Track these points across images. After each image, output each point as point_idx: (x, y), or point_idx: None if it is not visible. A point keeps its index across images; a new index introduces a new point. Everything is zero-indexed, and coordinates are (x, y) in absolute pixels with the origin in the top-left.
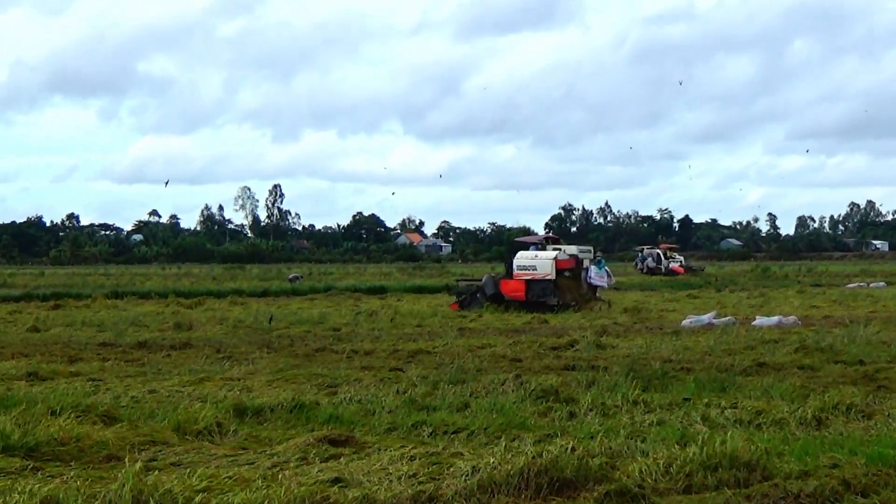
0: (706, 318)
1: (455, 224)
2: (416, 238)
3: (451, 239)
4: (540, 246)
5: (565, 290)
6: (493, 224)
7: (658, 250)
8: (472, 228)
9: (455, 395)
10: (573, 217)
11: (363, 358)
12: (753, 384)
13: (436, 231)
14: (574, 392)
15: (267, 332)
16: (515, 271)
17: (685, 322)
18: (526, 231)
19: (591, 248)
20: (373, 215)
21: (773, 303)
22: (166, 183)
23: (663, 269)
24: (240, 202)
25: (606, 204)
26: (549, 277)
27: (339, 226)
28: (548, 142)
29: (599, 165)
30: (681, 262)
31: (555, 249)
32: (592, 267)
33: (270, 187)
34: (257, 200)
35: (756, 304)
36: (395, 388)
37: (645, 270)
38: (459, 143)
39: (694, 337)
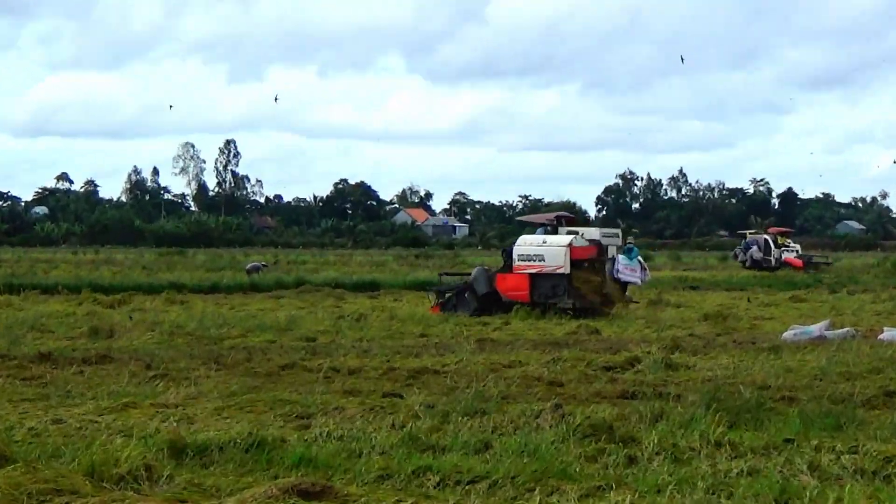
0: (816, 329)
1: (474, 197)
2: (420, 215)
3: (468, 217)
4: (550, 228)
5: (584, 288)
6: (526, 198)
7: (766, 236)
8: (497, 203)
9: (472, 430)
10: (635, 189)
11: (347, 379)
12: (880, 420)
13: (448, 206)
14: (634, 429)
15: (216, 342)
16: (516, 262)
17: (787, 335)
18: (569, 208)
19: (619, 232)
20: (362, 184)
21: None
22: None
23: (773, 262)
24: (181, 164)
25: (681, 172)
26: (561, 271)
27: (315, 198)
28: (603, 86)
29: (672, 119)
30: (797, 252)
31: (570, 233)
32: (620, 257)
33: (222, 144)
34: (204, 162)
35: (884, 310)
36: (389, 421)
37: (748, 263)
38: (482, 88)
39: (799, 355)
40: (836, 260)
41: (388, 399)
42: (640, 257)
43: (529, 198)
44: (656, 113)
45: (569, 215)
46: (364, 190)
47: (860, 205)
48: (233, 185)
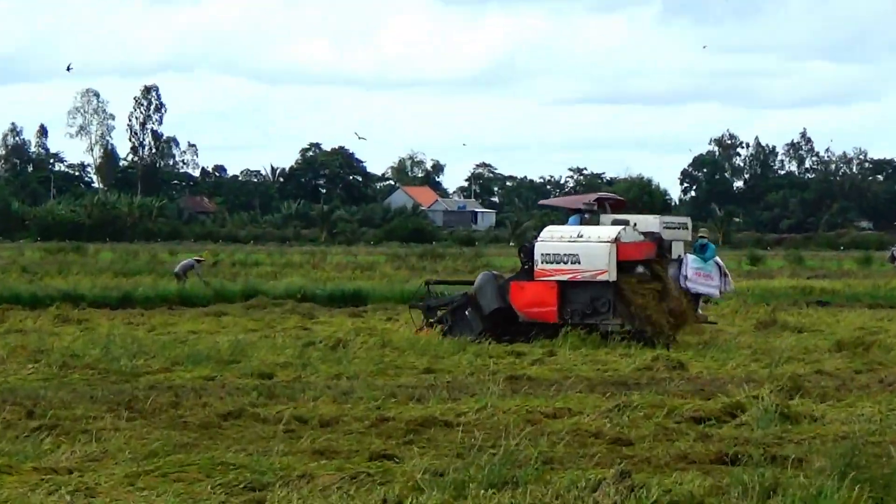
0: None
1: (504, 171)
2: (425, 197)
3: (494, 199)
4: (589, 215)
5: (637, 302)
6: (579, 171)
7: None
8: (537, 180)
9: None
10: (737, 160)
11: (318, 433)
12: None
13: (466, 184)
14: None
15: (128, 379)
16: (539, 265)
17: None
18: (642, 188)
19: (688, 222)
20: (341, 152)
21: None
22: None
23: None
24: (79, 121)
25: (804, 135)
26: (603, 277)
27: (274, 171)
28: (691, 12)
29: (791, 59)
30: None
31: (617, 223)
32: (691, 258)
33: (139, 93)
34: (113, 118)
35: None
36: (379, 496)
37: None
38: (517, 12)
39: None
40: None
41: (377, 463)
42: (717, 259)
43: (584, 172)
44: (769, 51)
45: (616, 197)
46: (345, 160)
47: None
48: (154, 151)
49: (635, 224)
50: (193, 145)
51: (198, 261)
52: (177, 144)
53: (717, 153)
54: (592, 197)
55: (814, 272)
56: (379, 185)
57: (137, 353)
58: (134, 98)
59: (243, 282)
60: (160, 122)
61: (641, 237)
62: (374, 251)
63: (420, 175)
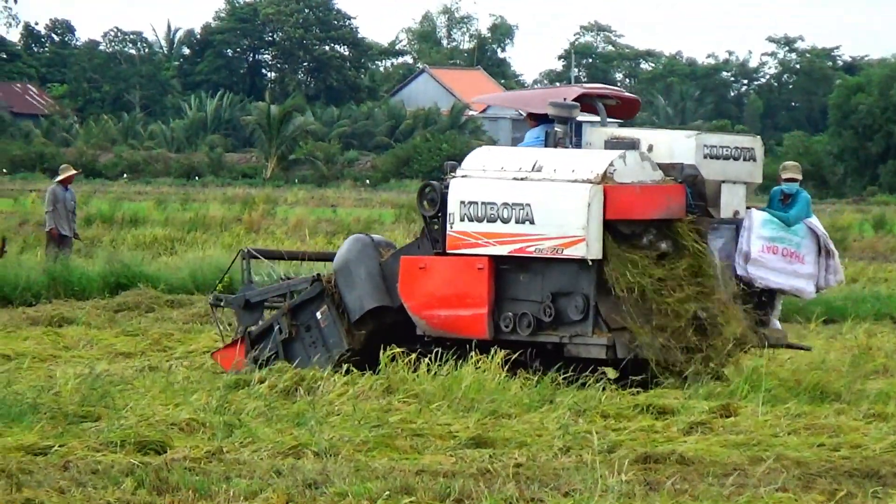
0: None
1: (632, 41)
2: (476, 87)
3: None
4: (559, 126)
5: (648, 302)
6: (793, 48)
7: None
8: (708, 61)
9: None
10: None
11: None
12: None
13: (563, 59)
14: None
15: None
16: (455, 225)
17: None
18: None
19: (758, 145)
20: None
21: None
22: None
23: None
24: None
25: None
26: (578, 252)
27: (173, 33)
28: None
29: None
30: None
31: (615, 144)
32: (759, 220)
33: None
34: None
35: None
36: None
37: None
38: None
39: None
40: None
41: None
42: (815, 221)
43: (795, 46)
44: None
45: (619, 92)
46: (316, 14)
47: None
48: None
49: (651, 147)
50: None
51: (62, 183)
52: None
53: None
54: (572, 92)
55: None
56: (385, 63)
57: None
58: None
59: (106, 259)
60: None
61: (659, 174)
62: (374, 197)
63: (467, 46)
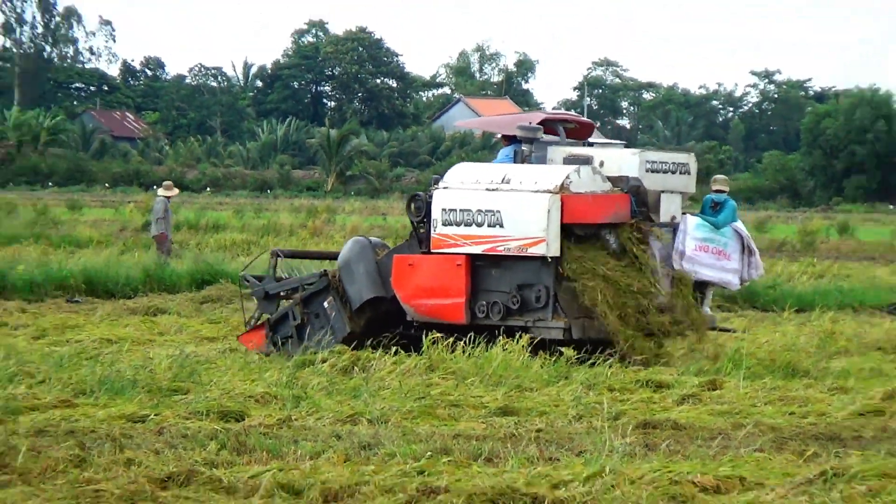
0: None
1: (636, 74)
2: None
3: (624, 116)
4: (526, 146)
5: (598, 292)
6: (768, 75)
7: None
8: (699, 91)
9: None
10: None
11: None
12: None
13: (575, 95)
14: None
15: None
16: (438, 229)
17: None
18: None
19: (691, 161)
20: (363, 35)
21: None
22: None
23: None
24: None
25: None
26: (539, 251)
27: (248, 67)
28: None
29: None
30: None
31: (572, 161)
32: (692, 224)
33: None
34: None
35: None
36: None
37: None
38: None
39: None
40: None
41: None
42: (740, 225)
43: (773, 78)
44: None
45: (577, 118)
46: (369, 51)
47: None
48: (42, 32)
49: (602, 162)
50: (109, 23)
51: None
52: (80, 22)
53: None
54: (536, 117)
55: None
56: (427, 94)
57: (15, 376)
58: None
59: (193, 259)
60: None
61: (608, 185)
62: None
63: (496, 79)
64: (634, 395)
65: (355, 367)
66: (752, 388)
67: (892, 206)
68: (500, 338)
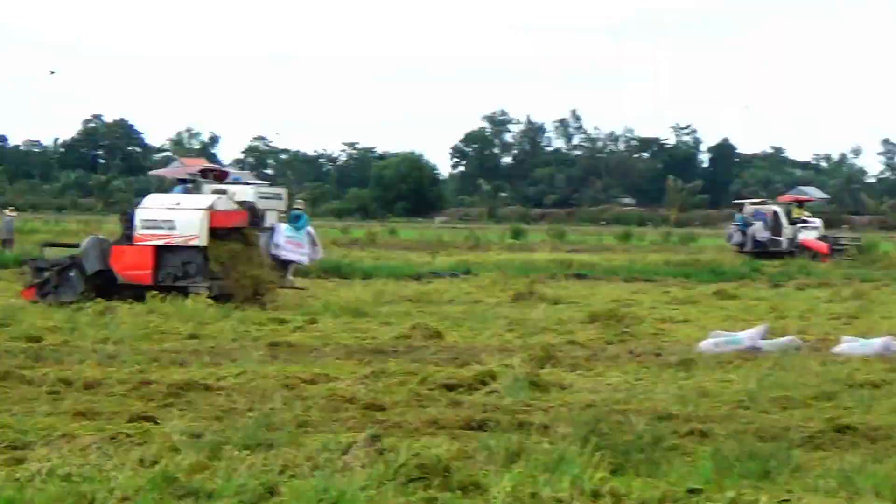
0: (746, 337)
1: (280, 144)
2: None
3: (269, 171)
4: (191, 184)
5: (228, 266)
6: (352, 146)
7: (776, 208)
8: (311, 153)
9: (252, 470)
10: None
11: (81, 395)
12: (825, 466)
13: (241, 156)
14: (480, 472)
15: None
16: (139, 231)
17: (706, 344)
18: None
19: (283, 193)
20: (122, 122)
21: (878, 312)
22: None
23: (785, 245)
24: None
25: (574, 114)
26: (195, 242)
27: (57, 143)
28: None
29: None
30: (818, 230)
31: (218, 193)
32: (284, 227)
33: None
34: None
35: (844, 313)
36: (137, 455)
37: (748, 246)
38: None
39: (720, 373)
40: None
41: (136, 424)
42: (310, 228)
43: (356, 146)
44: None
45: (219, 168)
46: (124, 131)
47: (822, 164)
48: None
49: (233, 193)
50: None
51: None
52: None
53: (488, 132)
54: (197, 167)
55: (574, 246)
56: (157, 156)
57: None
58: None
59: (19, 248)
60: None
61: (236, 206)
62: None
63: (196, 146)
64: (267, 327)
65: (107, 311)
66: (335, 322)
67: (421, 219)
68: (174, 293)
